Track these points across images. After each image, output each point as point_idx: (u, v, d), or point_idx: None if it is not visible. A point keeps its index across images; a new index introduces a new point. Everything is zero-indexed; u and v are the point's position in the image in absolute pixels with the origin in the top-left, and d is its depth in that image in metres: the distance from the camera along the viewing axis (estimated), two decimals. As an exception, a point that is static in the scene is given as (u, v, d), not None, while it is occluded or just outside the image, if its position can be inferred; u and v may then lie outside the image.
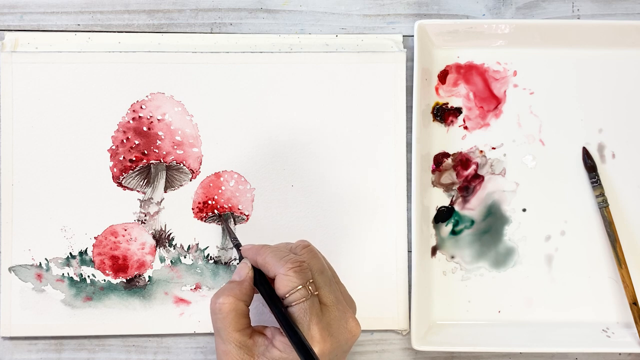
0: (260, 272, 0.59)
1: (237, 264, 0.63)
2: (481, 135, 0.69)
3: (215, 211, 0.67)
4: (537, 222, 0.69)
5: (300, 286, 0.55)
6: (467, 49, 0.69)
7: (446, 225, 0.69)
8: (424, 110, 0.68)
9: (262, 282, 0.59)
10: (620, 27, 0.68)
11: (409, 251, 0.67)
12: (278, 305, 0.56)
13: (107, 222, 0.67)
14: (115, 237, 0.67)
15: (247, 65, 0.68)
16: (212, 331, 0.67)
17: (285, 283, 0.56)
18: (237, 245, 0.64)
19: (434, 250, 0.69)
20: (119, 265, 0.67)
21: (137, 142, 0.67)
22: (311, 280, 0.56)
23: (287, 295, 0.56)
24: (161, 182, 0.67)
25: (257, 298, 0.62)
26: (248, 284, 0.59)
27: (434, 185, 0.69)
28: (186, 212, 0.67)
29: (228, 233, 0.66)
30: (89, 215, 0.67)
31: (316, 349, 0.55)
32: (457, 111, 0.69)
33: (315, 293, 0.57)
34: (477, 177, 0.69)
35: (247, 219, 0.68)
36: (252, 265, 0.60)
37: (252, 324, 0.59)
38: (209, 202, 0.67)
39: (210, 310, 0.58)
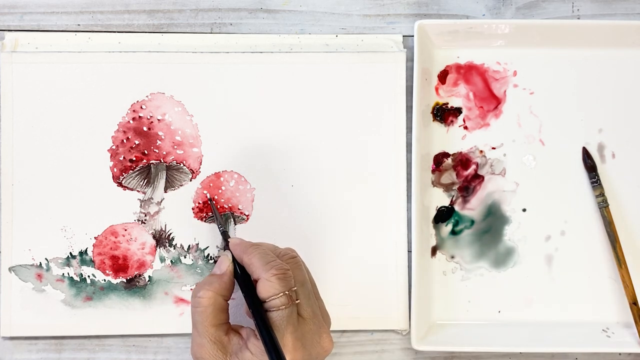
0: (242, 267, 0.60)
1: (219, 251, 0.63)
2: (481, 135, 0.69)
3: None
4: (537, 222, 0.69)
5: (282, 294, 0.56)
6: (467, 49, 0.69)
7: (446, 225, 0.69)
8: (424, 110, 0.68)
9: (245, 279, 0.59)
10: (620, 27, 0.68)
11: (409, 251, 0.67)
12: (258, 307, 0.56)
13: (107, 222, 0.67)
14: (116, 237, 0.67)
15: (247, 65, 0.68)
16: (212, 331, 0.67)
17: (268, 288, 0.56)
18: (224, 233, 0.64)
19: (434, 250, 0.69)
20: (119, 265, 0.67)
21: (137, 142, 0.67)
22: (294, 289, 0.57)
23: (267, 300, 0.56)
24: (161, 182, 0.67)
25: (236, 296, 0.62)
26: (228, 278, 0.60)
27: (434, 185, 0.69)
28: (186, 212, 0.67)
29: (215, 218, 0.66)
30: (89, 215, 0.67)
31: (287, 357, 0.55)
32: (457, 111, 0.69)
33: (297, 301, 0.57)
34: (477, 177, 0.69)
35: (247, 219, 0.68)
36: (234, 259, 0.60)
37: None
38: (209, 202, 0.67)
39: (191, 302, 0.59)
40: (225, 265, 0.60)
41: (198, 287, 0.59)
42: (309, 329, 0.57)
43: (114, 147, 0.67)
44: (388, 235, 0.68)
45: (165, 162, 0.67)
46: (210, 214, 0.67)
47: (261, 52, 0.68)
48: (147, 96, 0.68)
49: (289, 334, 0.56)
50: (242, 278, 0.59)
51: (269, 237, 0.67)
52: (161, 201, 0.67)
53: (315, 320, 0.58)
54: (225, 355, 0.57)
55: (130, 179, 0.67)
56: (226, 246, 0.62)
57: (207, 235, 0.67)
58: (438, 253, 0.69)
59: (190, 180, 0.68)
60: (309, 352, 0.57)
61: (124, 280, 0.67)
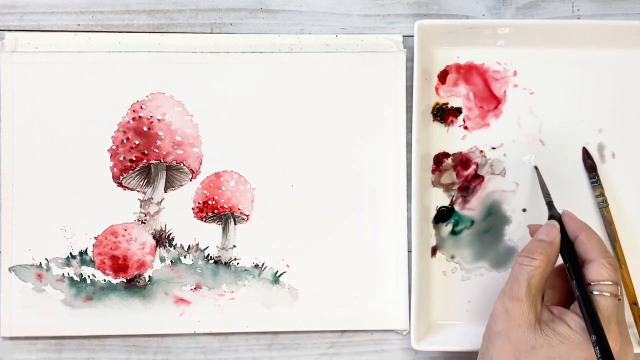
0: (568, 241, 0.60)
1: (547, 220, 0.62)
2: (481, 135, 0.69)
3: (215, 211, 0.68)
4: (537, 222, 0.68)
5: (614, 282, 0.56)
6: (467, 49, 0.69)
7: (446, 225, 0.69)
8: (424, 110, 0.68)
9: (570, 251, 0.59)
10: (620, 27, 0.68)
11: (409, 251, 0.67)
12: (583, 285, 0.56)
13: (107, 222, 0.67)
14: (116, 237, 0.67)
15: (247, 65, 0.68)
16: (212, 331, 0.67)
17: (602, 272, 0.56)
18: (551, 203, 0.63)
19: (434, 250, 0.69)
20: (119, 265, 0.67)
21: (137, 142, 0.67)
22: (621, 286, 0.57)
23: (598, 283, 0.56)
24: (161, 182, 0.67)
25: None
26: (557, 247, 0.59)
27: (434, 185, 0.69)
28: (186, 212, 0.67)
29: (541, 187, 0.65)
30: (89, 215, 0.67)
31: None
32: (457, 111, 0.69)
33: (619, 300, 0.57)
34: (477, 177, 0.69)
35: (247, 219, 0.68)
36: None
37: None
38: (209, 202, 0.67)
39: (517, 260, 0.59)
40: (553, 233, 0.60)
41: (530, 248, 0.59)
42: (624, 332, 0.57)
43: (114, 147, 0.67)
44: (388, 236, 0.68)
45: (165, 162, 0.67)
46: (211, 214, 0.67)
47: (261, 52, 0.68)
48: (147, 96, 0.68)
49: (613, 323, 0.56)
50: (569, 250, 0.59)
51: (269, 237, 0.67)
52: (161, 201, 0.67)
53: (626, 332, 0.58)
54: (536, 321, 0.57)
55: (130, 179, 0.67)
56: (551, 216, 0.62)
57: (207, 235, 0.67)
58: (438, 253, 0.69)
59: (190, 180, 0.68)
60: (624, 350, 0.57)
61: (124, 280, 0.67)
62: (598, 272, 0.56)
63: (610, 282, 0.56)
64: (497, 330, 0.57)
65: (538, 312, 0.57)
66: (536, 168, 0.67)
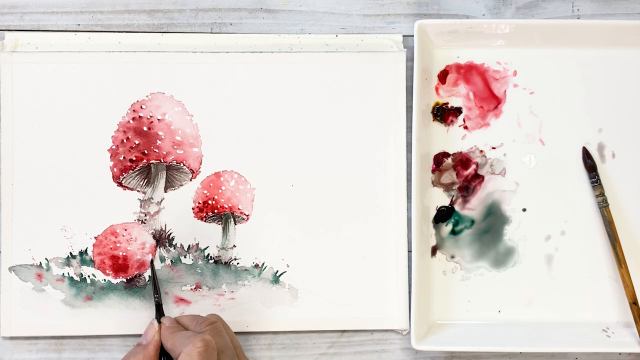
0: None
1: (155, 317, 0.63)
2: (481, 135, 0.69)
3: (215, 211, 0.68)
4: (537, 222, 0.68)
5: None
6: (467, 49, 0.69)
7: (446, 225, 0.69)
8: (424, 110, 0.68)
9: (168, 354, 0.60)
10: (620, 27, 0.68)
11: (409, 251, 0.67)
12: None
13: (107, 222, 0.67)
14: (116, 237, 0.67)
15: (247, 65, 0.68)
16: (212, 331, 0.67)
17: None
18: (159, 304, 0.64)
19: (434, 250, 0.69)
20: (119, 265, 0.67)
21: (137, 142, 0.67)
22: None
23: None
24: (161, 182, 0.67)
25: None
26: (153, 348, 0.60)
27: (434, 185, 0.69)
28: (186, 212, 0.67)
29: (153, 284, 0.65)
30: (89, 215, 0.67)
31: None
32: (457, 111, 0.69)
33: None
34: (477, 177, 0.69)
35: (247, 219, 0.68)
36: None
37: None
38: (209, 202, 0.67)
39: None
40: (150, 335, 0.61)
41: (129, 353, 0.60)
42: None
43: (114, 147, 0.67)
44: (388, 235, 0.68)
45: (165, 162, 0.67)
46: (211, 213, 0.67)
47: (261, 52, 0.68)
48: (147, 96, 0.68)
49: None
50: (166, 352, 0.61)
51: (269, 237, 0.67)
52: (161, 201, 0.67)
53: None
54: None
55: (130, 178, 0.67)
56: (157, 312, 0.63)
57: (207, 235, 0.67)
58: (438, 253, 0.69)
59: (190, 180, 0.68)
60: None
61: (124, 280, 0.67)
62: None
63: None
64: None
65: None
66: (152, 262, 0.66)
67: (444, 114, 0.69)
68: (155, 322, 0.62)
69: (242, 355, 0.61)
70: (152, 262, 0.66)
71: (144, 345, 0.61)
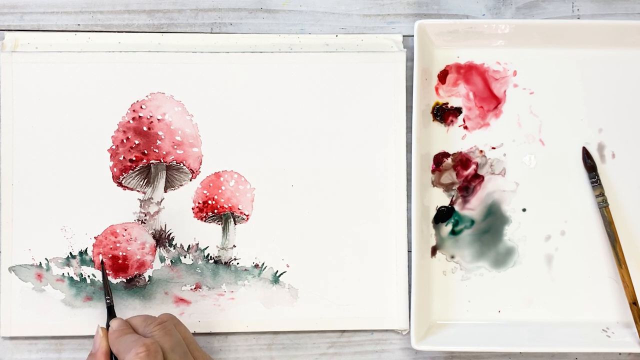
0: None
1: (102, 326, 0.63)
2: (481, 135, 0.69)
3: (215, 211, 0.68)
4: (537, 222, 0.68)
5: None
6: (467, 49, 0.69)
7: (446, 225, 0.69)
8: (424, 110, 0.68)
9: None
10: (620, 27, 0.68)
11: (409, 251, 0.67)
12: None
13: (107, 222, 0.67)
14: (115, 237, 0.67)
15: (247, 65, 0.68)
16: (212, 331, 0.67)
17: None
18: (110, 308, 0.64)
19: (434, 250, 0.69)
20: (119, 265, 0.67)
21: (137, 142, 0.67)
22: None
23: None
24: (161, 182, 0.67)
25: None
26: (102, 355, 0.60)
27: (434, 185, 0.69)
28: (186, 212, 0.67)
29: (104, 288, 0.65)
30: (89, 215, 0.67)
31: None
32: (457, 111, 0.69)
33: None
34: (477, 177, 0.69)
35: (247, 219, 0.68)
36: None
37: None
38: (209, 202, 0.67)
39: None
40: (97, 342, 0.61)
41: None
42: None
43: (114, 147, 0.67)
44: (388, 235, 0.68)
45: (165, 162, 0.67)
46: (211, 213, 0.67)
47: (261, 52, 0.68)
48: (147, 96, 0.68)
49: None
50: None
51: (269, 237, 0.67)
52: (161, 201, 0.67)
53: None
54: None
55: (130, 178, 0.67)
56: (109, 315, 0.63)
57: (207, 235, 0.67)
58: (438, 253, 0.69)
59: (190, 180, 0.68)
60: None
61: (124, 280, 0.67)
62: None
63: None
64: None
65: None
66: (102, 263, 0.66)
67: (444, 114, 0.69)
68: (100, 328, 0.61)
69: (197, 350, 0.61)
70: (102, 262, 0.66)
71: (93, 354, 0.61)
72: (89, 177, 0.67)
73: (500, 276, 0.68)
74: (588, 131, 0.69)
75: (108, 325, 0.62)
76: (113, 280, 0.67)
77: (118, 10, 0.69)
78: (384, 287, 0.68)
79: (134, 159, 0.67)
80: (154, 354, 0.56)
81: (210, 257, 0.67)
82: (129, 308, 0.67)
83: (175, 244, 0.67)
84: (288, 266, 0.67)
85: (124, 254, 0.67)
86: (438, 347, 0.66)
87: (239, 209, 0.68)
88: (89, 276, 0.67)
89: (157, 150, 0.67)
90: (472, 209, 0.69)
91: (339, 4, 0.70)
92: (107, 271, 0.67)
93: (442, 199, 0.69)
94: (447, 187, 0.69)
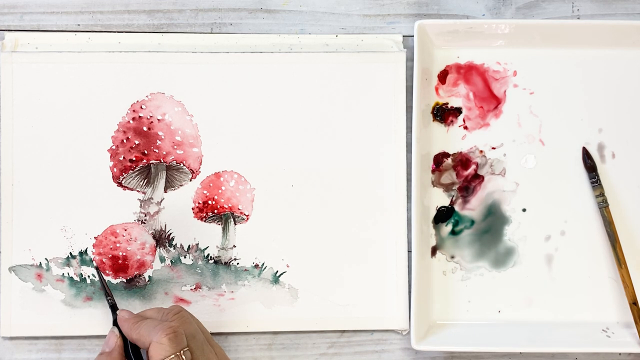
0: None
1: (112, 326, 0.63)
2: (481, 135, 0.69)
3: (215, 211, 0.68)
4: (537, 222, 0.68)
5: (173, 355, 0.56)
6: (467, 49, 0.69)
7: (446, 225, 0.69)
8: (424, 110, 0.68)
9: (135, 352, 0.61)
10: (620, 27, 0.68)
11: (409, 251, 0.67)
12: None
13: (107, 222, 0.67)
14: (115, 237, 0.67)
15: (247, 65, 0.68)
16: (213, 331, 0.67)
17: (159, 351, 0.56)
18: (113, 307, 0.64)
19: (434, 250, 0.69)
20: (119, 265, 0.67)
21: (137, 142, 0.67)
22: (186, 349, 0.56)
23: None
24: (161, 182, 0.67)
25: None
26: (117, 354, 0.60)
27: (434, 185, 0.69)
28: (186, 212, 0.67)
29: (103, 289, 0.65)
30: (89, 215, 0.67)
31: None
32: (457, 111, 0.69)
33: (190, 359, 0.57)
34: (477, 177, 0.69)
35: (247, 219, 0.68)
36: (121, 334, 0.61)
37: None
38: (209, 202, 0.67)
39: None
40: (112, 341, 0.61)
41: None
42: None
43: (114, 147, 0.67)
44: (388, 235, 0.68)
45: (165, 162, 0.67)
46: (211, 214, 0.67)
47: (261, 52, 0.68)
48: (147, 96, 0.68)
49: None
50: (133, 351, 0.61)
51: (269, 237, 0.67)
52: (161, 201, 0.67)
53: None
54: None
55: (130, 179, 0.67)
56: (115, 321, 0.63)
57: (207, 235, 0.67)
58: (438, 253, 0.69)
59: (190, 180, 0.68)
60: None
61: (124, 280, 0.67)
62: (157, 353, 0.56)
63: (170, 356, 0.56)
64: None
65: None
66: (96, 268, 0.66)
67: (443, 114, 0.69)
68: (115, 329, 0.62)
69: (211, 339, 0.61)
70: (96, 268, 0.66)
71: (107, 353, 0.61)
72: (89, 177, 0.67)
73: (500, 276, 0.68)
74: (588, 131, 0.69)
75: (114, 324, 0.62)
76: (113, 280, 0.67)
77: (118, 10, 0.69)
78: (384, 287, 0.68)
79: (134, 159, 0.67)
80: (181, 335, 0.57)
81: (210, 257, 0.67)
82: (129, 308, 0.66)
83: (175, 244, 0.67)
84: (288, 266, 0.67)
85: (124, 254, 0.67)
86: (438, 347, 0.66)
87: (239, 209, 0.68)
88: (89, 276, 0.67)
89: (157, 151, 0.67)
90: (472, 209, 0.69)
91: (339, 4, 0.70)
92: (107, 271, 0.67)
93: (442, 199, 0.69)
94: (447, 187, 0.69)
